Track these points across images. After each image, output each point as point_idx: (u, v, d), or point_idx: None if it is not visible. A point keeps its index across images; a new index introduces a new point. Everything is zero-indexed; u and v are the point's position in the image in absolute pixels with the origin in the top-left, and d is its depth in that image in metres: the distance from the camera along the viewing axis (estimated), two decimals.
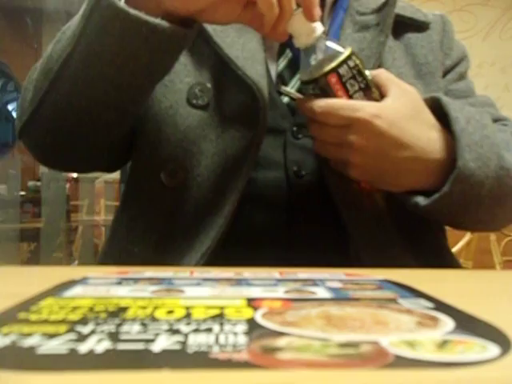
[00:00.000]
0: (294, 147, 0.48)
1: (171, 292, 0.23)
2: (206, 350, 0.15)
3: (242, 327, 0.17)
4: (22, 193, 3.01)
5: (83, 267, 0.33)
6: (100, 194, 3.15)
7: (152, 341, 0.16)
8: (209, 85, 0.48)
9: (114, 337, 0.16)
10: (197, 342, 0.16)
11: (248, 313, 0.19)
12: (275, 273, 0.30)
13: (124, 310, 0.20)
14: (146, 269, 0.31)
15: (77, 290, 0.23)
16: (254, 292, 0.24)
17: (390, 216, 0.47)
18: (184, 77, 0.48)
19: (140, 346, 0.15)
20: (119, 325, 0.17)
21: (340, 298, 0.23)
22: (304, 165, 0.47)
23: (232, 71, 0.46)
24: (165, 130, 0.47)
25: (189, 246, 0.45)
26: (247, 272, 0.30)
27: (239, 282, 0.26)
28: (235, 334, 0.16)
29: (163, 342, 0.15)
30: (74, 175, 2.97)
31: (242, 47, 0.47)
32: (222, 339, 0.16)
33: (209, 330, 0.17)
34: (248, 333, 0.17)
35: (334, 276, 0.29)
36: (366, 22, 0.50)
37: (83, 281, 0.26)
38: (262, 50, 0.48)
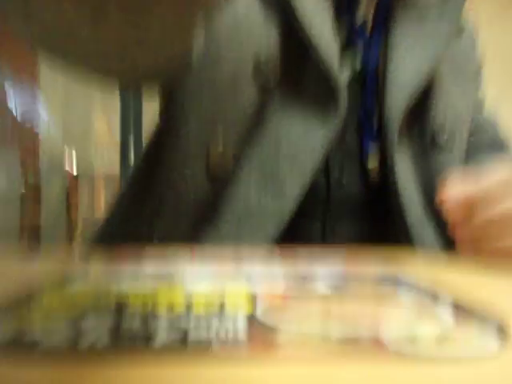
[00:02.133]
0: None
1: (171, 286, 0.23)
2: (206, 346, 0.15)
3: (242, 323, 0.17)
4: (22, 190, 3.01)
5: (83, 260, 0.33)
6: (100, 190, 3.15)
7: (152, 337, 0.16)
8: (276, 53, 0.40)
9: (113, 333, 0.16)
10: (197, 338, 0.16)
11: (248, 308, 0.19)
12: (276, 265, 0.30)
13: (124, 304, 0.20)
14: (145, 258, 0.31)
15: (77, 285, 0.24)
16: (255, 287, 0.24)
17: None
18: (251, 34, 0.39)
19: (140, 342, 0.15)
20: (118, 320, 0.17)
21: (340, 293, 0.23)
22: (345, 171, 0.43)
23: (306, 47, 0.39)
24: (220, 105, 0.39)
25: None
26: (248, 264, 0.30)
27: (240, 275, 0.26)
28: (235, 330, 0.16)
29: (163, 338, 0.15)
30: (74, 172, 2.97)
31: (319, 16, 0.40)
32: (222, 335, 0.16)
33: (209, 326, 0.17)
34: (248, 329, 0.17)
35: (335, 268, 0.29)
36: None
37: (84, 274, 0.26)
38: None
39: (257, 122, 0.40)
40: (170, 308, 0.19)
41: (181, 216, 0.40)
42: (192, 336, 0.16)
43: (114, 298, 0.21)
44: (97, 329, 0.16)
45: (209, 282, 0.25)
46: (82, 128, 4.23)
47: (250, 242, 0.39)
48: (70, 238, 2.87)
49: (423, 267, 0.34)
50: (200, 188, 0.40)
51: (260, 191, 0.40)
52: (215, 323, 0.17)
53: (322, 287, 0.24)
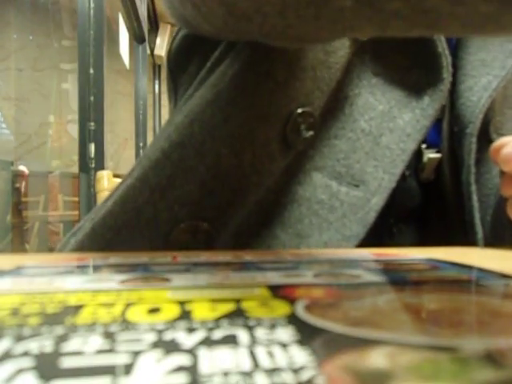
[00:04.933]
0: None
1: (150, 281, 0.15)
2: None
3: (286, 331, 0.10)
4: None
5: (23, 255, 0.24)
6: (55, 188, 2.96)
7: (126, 369, 0.08)
8: None
9: (48, 364, 0.08)
10: (217, 367, 0.08)
11: (282, 307, 0.12)
12: (285, 254, 0.23)
13: (74, 310, 0.12)
14: (110, 254, 0.23)
15: (2, 284, 0.15)
16: (273, 277, 0.16)
17: None
18: None
19: (102, 382, 0.07)
20: (63, 338, 0.09)
21: (398, 281, 0.16)
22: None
23: None
24: (311, 60, 0.30)
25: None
26: (248, 255, 0.23)
27: (245, 265, 0.19)
28: (283, 345, 0.09)
29: (149, 372, 0.08)
30: (26, 171, 2.77)
31: None
32: (263, 358, 0.08)
33: (231, 342, 0.09)
34: (303, 341, 0.09)
35: (365, 256, 0.22)
36: None
37: (16, 271, 0.18)
38: None
39: (341, 88, 0.32)
40: (154, 311, 0.12)
41: (240, 194, 0.29)
42: (206, 365, 0.08)
43: (57, 299, 0.13)
44: (14, 358, 0.08)
45: (205, 272, 0.17)
46: (36, 125, 4.00)
47: (318, 244, 0.30)
48: (23, 240, 2.68)
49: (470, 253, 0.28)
50: (270, 160, 0.29)
51: (331, 175, 0.32)
52: (241, 335, 0.10)
53: (365, 274, 0.17)
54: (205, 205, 0.28)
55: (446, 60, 0.33)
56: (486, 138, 0.36)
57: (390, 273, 0.17)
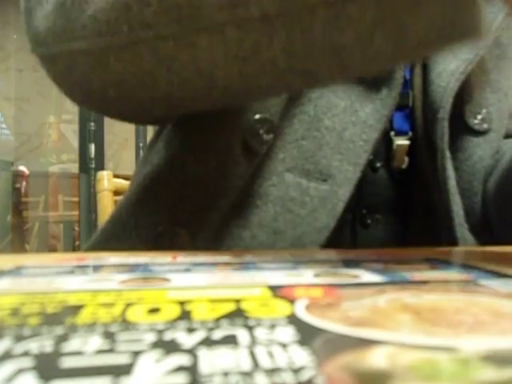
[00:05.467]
0: None
1: (150, 281, 0.15)
2: None
3: (286, 331, 0.10)
4: None
5: (23, 255, 0.24)
6: (56, 189, 2.96)
7: (126, 369, 0.08)
8: None
9: (48, 364, 0.08)
10: (217, 367, 0.08)
11: (282, 307, 0.12)
12: (285, 254, 0.23)
13: (74, 310, 0.12)
14: (110, 254, 0.23)
15: (2, 284, 0.15)
16: (273, 277, 0.16)
17: None
18: None
19: (102, 382, 0.07)
20: (63, 338, 0.10)
21: (398, 281, 0.16)
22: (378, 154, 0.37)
23: None
24: None
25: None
26: (248, 255, 0.23)
27: (245, 265, 0.19)
28: (283, 345, 0.09)
29: (149, 372, 0.08)
30: (26, 171, 2.77)
31: None
32: (263, 358, 0.08)
33: (231, 342, 0.09)
34: (303, 341, 0.09)
35: (364, 256, 0.22)
36: None
37: (16, 271, 0.18)
38: None
39: (304, 93, 0.34)
40: (154, 311, 0.12)
41: (210, 198, 0.32)
42: (206, 365, 0.08)
43: (56, 300, 0.13)
44: (14, 358, 0.08)
45: (204, 272, 0.17)
46: (36, 125, 4.00)
47: (292, 238, 0.32)
48: (23, 240, 2.68)
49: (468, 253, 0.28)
50: (234, 164, 0.32)
51: (301, 174, 0.33)
52: (241, 335, 0.10)
53: (365, 274, 0.17)
54: (178, 211, 0.31)
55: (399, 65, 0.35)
56: (461, 123, 0.37)
57: (390, 273, 0.17)
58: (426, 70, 0.37)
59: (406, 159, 0.38)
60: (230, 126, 0.32)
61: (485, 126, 0.37)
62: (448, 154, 0.35)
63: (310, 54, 0.21)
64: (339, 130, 0.34)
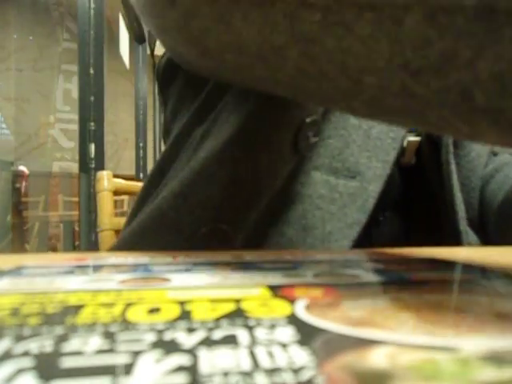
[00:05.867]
0: None
1: (150, 281, 0.15)
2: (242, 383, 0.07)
3: (286, 331, 0.10)
4: None
5: (23, 255, 0.24)
6: (56, 189, 2.96)
7: (126, 369, 0.08)
8: None
9: (48, 364, 0.08)
10: (217, 367, 0.08)
11: (282, 307, 0.12)
12: (285, 254, 0.23)
13: (74, 310, 0.12)
14: (110, 254, 0.23)
15: (2, 284, 0.15)
16: (273, 277, 0.16)
17: None
18: None
19: (102, 382, 0.07)
20: (63, 338, 0.10)
21: (398, 281, 0.16)
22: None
23: None
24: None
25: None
26: (248, 255, 0.23)
27: (245, 265, 0.19)
28: (283, 345, 0.09)
29: (149, 372, 0.08)
30: (26, 171, 2.77)
31: None
32: (263, 358, 0.08)
33: (231, 342, 0.09)
34: (303, 341, 0.09)
35: (364, 256, 0.22)
36: None
37: (16, 271, 0.18)
38: None
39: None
40: (154, 311, 0.12)
41: (256, 197, 0.31)
42: (206, 364, 0.08)
43: (57, 300, 0.13)
44: (14, 358, 0.08)
45: (204, 273, 0.17)
46: (36, 125, 4.00)
47: (323, 234, 0.32)
48: (23, 240, 2.68)
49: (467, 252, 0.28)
50: (283, 164, 0.31)
51: (328, 172, 0.33)
52: (241, 335, 0.10)
53: (365, 274, 0.17)
54: (224, 208, 0.30)
55: None
56: None
57: (390, 273, 0.17)
58: None
59: (413, 155, 0.38)
60: (284, 125, 0.31)
61: None
62: (452, 148, 0.35)
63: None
64: (365, 128, 0.34)
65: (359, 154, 0.33)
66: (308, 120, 0.31)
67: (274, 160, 0.31)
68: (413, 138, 0.37)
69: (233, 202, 0.30)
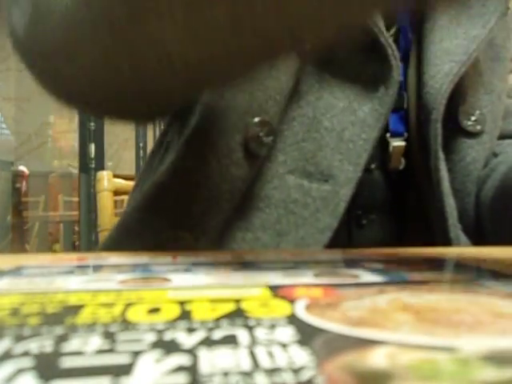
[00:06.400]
0: None
1: (150, 281, 0.16)
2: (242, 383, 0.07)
3: (286, 331, 0.10)
4: None
5: (23, 255, 0.24)
6: (55, 189, 2.96)
7: (126, 369, 0.08)
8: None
9: (48, 364, 0.08)
10: (217, 367, 0.08)
11: (282, 307, 0.12)
12: (285, 254, 0.23)
13: (74, 310, 0.12)
14: (110, 254, 0.23)
15: (2, 284, 0.15)
16: (273, 277, 0.16)
17: None
18: None
19: (102, 382, 0.07)
20: (63, 338, 0.10)
21: (398, 281, 0.16)
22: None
23: None
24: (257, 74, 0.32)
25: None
26: (248, 255, 0.23)
27: (245, 265, 0.19)
28: (283, 345, 0.09)
29: (149, 372, 0.08)
30: (26, 171, 2.77)
31: None
32: (263, 358, 0.08)
33: (231, 342, 0.09)
34: (303, 341, 0.09)
35: (364, 256, 0.22)
36: None
37: (16, 271, 0.18)
38: None
39: (293, 91, 0.34)
40: (154, 311, 0.12)
41: (213, 202, 0.32)
42: (206, 364, 0.08)
43: (57, 300, 0.13)
44: (14, 358, 0.08)
45: (204, 273, 0.17)
46: (36, 125, 4.00)
47: (296, 240, 0.32)
48: (23, 240, 2.68)
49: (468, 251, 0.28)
50: (236, 167, 0.32)
51: (302, 175, 0.34)
52: (241, 335, 0.10)
53: (364, 274, 0.17)
54: (180, 215, 0.32)
55: (391, 48, 0.34)
56: (455, 125, 0.37)
57: (390, 273, 0.17)
58: (420, 71, 0.38)
59: (403, 160, 0.38)
60: (230, 129, 0.32)
61: (478, 127, 0.37)
62: (441, 155, 0.35)
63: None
64: (338, 131, 0.34)
65: (332, 157, 0.34)
66: (255, 120, 0.32)
67: (226, 165, 0.32)
68: (398, 143, 0.37)
69: (189, 209, 0.32)
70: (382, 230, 0.38)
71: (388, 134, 0.37)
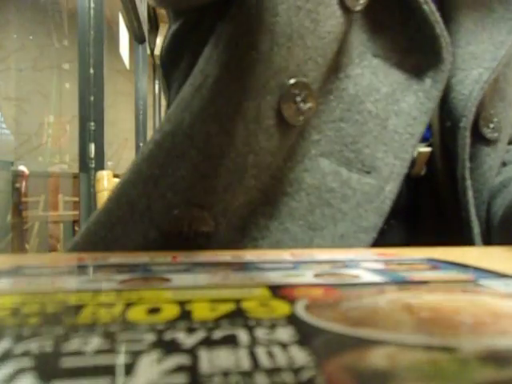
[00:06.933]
0: None
1: (150, 281, 0.16)
2: None
3: (286, 331, 0.10)
4: None
5: (23, 255, 0.24)
6: (56, 189, 2.96)
7: (126, 369, 0.08)
8: None
9: (48, 364, 0.08)
10: (217, 366, 0.08)
11: (282, 307, 0.12)
12: (285, 254, 0.23)
13: (74, 310, 0.12)
14: (110, 254, 0.23)
15: (2, 284, 0.15)
16: (273, 277, 0.16)
17: None
18: None
19: (102, 382, 0.07)
20: (63, 338, 0.10)
21: (398, 281, 0.16)
22: None
23: None
24: (296, 28, 0.27)
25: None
26: (248, 255, 0.23)
27: (245, 265, 0.19)
28: (283, 345, 0.09)
29: (149, 372, 0.08)
30: (26, 171, 2.77)
31: None
32: (263, 358, 0.08)
33: (231, 341, 0.09)
34: (303, 341, 0.09)
35: (364, 256, 0.22)
36: None
37: (16, 271, 0.18)
38: None
39: (335, 63, 0.30)
40: (154, 311, 0.12)
41: (237, 177, 0.27)
42: (206, 364, 0.08)
43: (57, 299, 0.13)
44: (14, 358, 0.08)
45: (204, 272, 0.17)
46: (36, 125, 4.00)
47: (334, 237, 0.29)
48: (23, 240, 2.68)
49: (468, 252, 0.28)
50: (266, 137, 0.27)
51: (339, 161, 0.30)
52: (241, 335, 0.10)
53: (365, 274, 0.17)
54: (198, 190, 0.26)
55: (445, 40, 0.32)
56: (476, 132, 0.36)
57: (390, 273, 0.17)
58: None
59: (424, 166, 0.36)
60: (261, 89, 0.27)
61: (495, 134, 0.36)
62: (468, 164, 0.34)
63: None
64: (382, 118, 0.31)
65: (375, 147, 0.30)
66: (291, 82, 0.27)
67: (254, 132, 0.26)
68: (423, 149, 0.35)
69: (208, 183, 0.27)
70: (400, 235, 0.37)
71: None
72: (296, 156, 0.29)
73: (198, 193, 0.27)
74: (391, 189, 0.30)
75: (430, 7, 0.31)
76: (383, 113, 0.31)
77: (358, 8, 0.30)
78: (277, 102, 0.27)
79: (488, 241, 0.36)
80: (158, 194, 0.26)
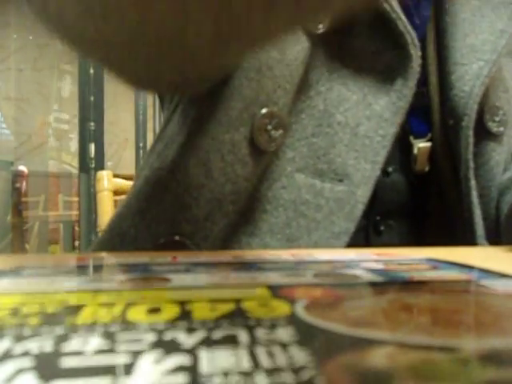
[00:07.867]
0: None
1: (150, 281, 0.16)
2: None
3: (286, 331, 0.10)
4: None
5: (23, 255, 0.24)
6: (56, 189, 2.96)
7: (126, 369, 0.08)
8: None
9: (48, 364, 0.08)
10: (218, 366, 0.08)
11: (282, 307, 0.12)
12: (285, 254, 0.23)
13: (74, 310, 0.12)
14: (110, 254, 0.23)
15: (2, 284, 0.15)
16: (273, 277, 0.16)
17: None
18: None
19: (102, 382, 0.07)
20: (63, 338, 0.10)
21: (398, 281, 0.16)
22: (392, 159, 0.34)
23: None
24: (265, 60, 0.29)
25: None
26: (248, 255, 0.23)
27: (245, 265, 0.19)
28: (283, 345, 0.09)
29: (149, 372, 0.08)
30: (26, 171, 2.77)
31: None
32: (263, 358, 0.08)
33: (232, 341, 0.09)
34: (303, 341, 0.09)
35: (365, 256, 0.22)
36: None
37: (16, 271, 0.18)
38: None
39: (304, 83, 0.31)
40: (154, 311, 0.12)
41: (216, 204, 0.29)
42: (207, 365, 0.08)
43: (56, 300, 0.13)
44: (14, 358, 0.08)
45: (204, 272, 0.18)
46: (36, 125, 4.00)
47: (308, 245, 0.30)
48: (23, 240, 2.68)
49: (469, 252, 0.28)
50: (241, 165, 0.29)
51: (313, 174, 0.31)
52: (241, 335, 0.10)
53: (365, 274, 0.17)
54: (180, 220, 0.29)
55: (410, 36, 0.31)
56: (481, 127, 0.35)
57: (390, 273, 0.17)
58: (442, 69, 0.35)
59: (427, 162, 0.36)
60: (235, 122, 0.29)
61: (501, 128, 0.35)
62: (472, 164, 0.33)
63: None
64: (353, 126, 0.31)
65: (346, 155, 0.31)
66: (263, 112, 0.29)
67: (230, 162, 0.29)
68: (423, 144, 0.35)
69: (189, 214, 0.29)
70: (400, 235, 0.36)
71: (411, 137, 0.35)
72: (273, 175, 0.31)
73: (180, 223, 0.29)
74: (363, 193, 0.31)
75: (390, 5, 0.31)
76: (353, 120, 0.31)
77: (321, 30, 0.30)
78: (249, 132, 0.29)
79: (498, 238, 0.35)
80: (144, 225, 0.29)
